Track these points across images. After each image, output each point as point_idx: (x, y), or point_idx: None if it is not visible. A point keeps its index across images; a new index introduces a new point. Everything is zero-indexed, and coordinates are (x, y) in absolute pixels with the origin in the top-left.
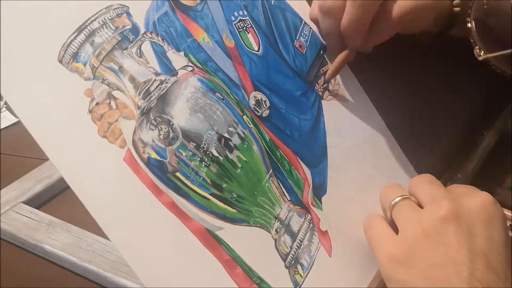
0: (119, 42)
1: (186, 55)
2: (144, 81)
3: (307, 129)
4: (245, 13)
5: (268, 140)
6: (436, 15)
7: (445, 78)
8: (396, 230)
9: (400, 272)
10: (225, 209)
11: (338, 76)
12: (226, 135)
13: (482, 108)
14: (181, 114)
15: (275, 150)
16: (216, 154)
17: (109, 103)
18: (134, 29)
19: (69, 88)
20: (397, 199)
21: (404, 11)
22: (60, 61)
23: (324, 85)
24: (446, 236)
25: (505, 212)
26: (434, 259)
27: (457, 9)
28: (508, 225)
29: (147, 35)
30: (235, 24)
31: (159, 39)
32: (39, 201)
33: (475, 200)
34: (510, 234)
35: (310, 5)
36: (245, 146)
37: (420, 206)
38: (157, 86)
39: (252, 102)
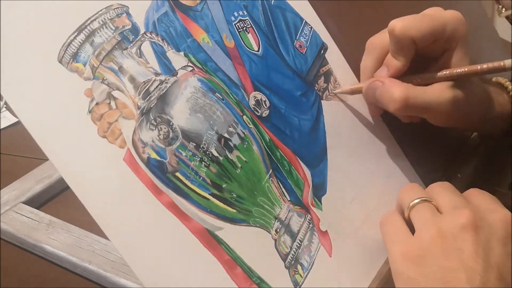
0: (119, 42)
1: (186, 55)
2: (144, 81)
3: (307, 129)
4: (245, 13)
5: (268, 140)
6: (493, 119)
7: None
8: (412, 230)
9: (412, 269)
10: (225, 209)
11: (338, 76)
12: (226, 135)
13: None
14: (181, 114)
15: (275, 150)
16: (216, 154)
17: (109, 103)
18: (134, 29)
19: (69, 88)
20: (417, 200)
21: (409, 105)
22: (60, 61)
23: (324, 85)
24: (463, 243)
25: None
26: (447, 262)
27: None
28: None
29: (147, 35)
30: (235, 24)
31: (159, 39)
32: (39, 201)
33: (496, 216)
34: None
35: (311, 5)
36: (245, 146)
37: (439, 211)
38: (157, 86)
39: (252, 102)
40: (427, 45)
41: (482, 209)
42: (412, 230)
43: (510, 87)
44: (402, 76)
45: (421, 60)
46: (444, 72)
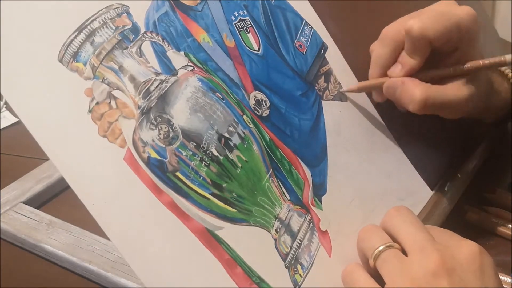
0: (119, 42)
1: (186, 54)
2: (144, 81)
3: (307, 129)
4: (245, 13)
5: (268, 139)
6: (492, 107)
7: None
8: (378, 278)
9: None
10: (225, 209)
11: (338, 76)
12: (226, 134)
13: None
14: (181, 114)
15: (275, 150)
16: (216, 153)
17: (109, 102)
18: (134, 29)
19: (69, 87)
20: (381, 247)
21: (423, 103)
22: (60, 61)
23: (324, 85)
24: None
25: (504, 214)
26: None
27: None
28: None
29: (147, 35)
30: (235, 24)
31: (159, 38)
32: (39, 201)
33: (463, 250)
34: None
35: (311, 5)
36: (245, 145)
37: (404, 252)
38: (157, 86)
39: (252, 101)
40: (441, 44)
41: (447, 246)
42: (378, 278)
43: (510, 74)
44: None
45: (433, 56)
46: (454, 68)
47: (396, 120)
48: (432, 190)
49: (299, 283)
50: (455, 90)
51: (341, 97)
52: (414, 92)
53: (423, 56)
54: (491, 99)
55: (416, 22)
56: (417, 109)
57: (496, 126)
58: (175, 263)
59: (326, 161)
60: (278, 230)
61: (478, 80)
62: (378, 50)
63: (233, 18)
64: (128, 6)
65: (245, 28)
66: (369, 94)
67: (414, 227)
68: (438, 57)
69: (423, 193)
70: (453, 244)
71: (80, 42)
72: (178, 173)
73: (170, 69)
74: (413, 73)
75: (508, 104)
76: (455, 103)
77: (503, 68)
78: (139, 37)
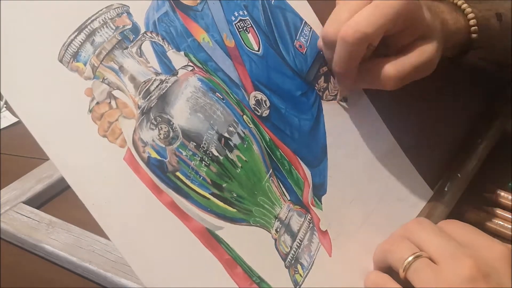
0: (119, 42)
1: (186, 54)
2: (144, 81)
3: (307, 129)
4: (245, 13)
5: (268, 140)
6: (450, 43)
7: (445, 78)
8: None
9: None
10: (225, 209)
11: None
12: (226, 134)
13: (482, 108)
14: (181, 114)
15: (275, 150)
16: (216, 153)
17: (109, 102)
18: (134, 29)
19: (69, 87)
20: (410, 258)
21: (400, 80)
22: (61, 61)
23: (324, 85)
24: None
25: (505, 214)
26: None
27: (474, 35)
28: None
29: (147, 35)
30: (235, 24)
31: (159, 38)
32: (39, 201)
33: (496, 253)
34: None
35: (310, 5)
36: (245, 145)
37: (434, 262)
38: (157, 86)
39: (252, 102)
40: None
41: (479, 251)
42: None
43: (467, 9)
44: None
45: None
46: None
47: (396, 120)
48: (432, 190)
49: (300, 283)
50: (419, 52)
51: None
52: (385, 71)
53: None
54: (450, 39)
55: (350, 28)
56: (393, 84)
57: (459, 59)
58: (175, 263)
59: (326, 161)
60: (278, 230)
61: (432, 34)
62: (325, 54)
63: (233, 18)
64: (128, 6)
65: (245, 28)
66: (369, 94)
67: (440, 236)
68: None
69: (423, 193)
70: (482, 247)
71: (80, 42)
72: (178, 173)
73: (170, 69)
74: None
75: (466, 38)
76: (424, 63)
77: (459, 3)
78: (139, 37)
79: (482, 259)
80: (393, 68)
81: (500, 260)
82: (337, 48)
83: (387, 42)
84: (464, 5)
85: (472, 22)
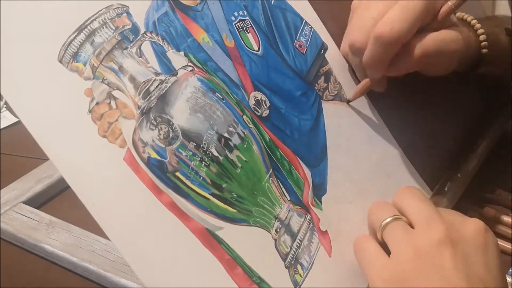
0: (119, 42)
1: (186, 55)
2: (144, 81)
3: (307, 129)
4: (245, 13)
5: (268, 140)
6: (462, 57)
7: (445, 78)
8: (387, 252)
9: None
10: (225, 209)
11: (338, 76)
12: (226, 135)
13: (482, 108)
14: (181, 114)
15: (275, 150)
16: (216, 154)
17: (109, 102)
18: (134, 29)
19: (69, 88)
20: (388, 219)
21: (426, 53)
22: (60, 61)
23: (324, 85)
24: (443, 260)
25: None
26: (430, 282)
27: (485, 50)
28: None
29: (147, 35)
30: (235, 24)
31: (159, 39)
32: (39, 201)
33: (469, 226)
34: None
35: (311, 5)
36: (245, 146)
37: (411, 226)
38: (157, 86)
39: (252, 102)
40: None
41: (453, 221)
42: (388, 251)
43: (477, 25)
44: None
45: None
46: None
47: (396, 120)
48: (432, 190)
49: (299, 283)
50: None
51: (341, 97)
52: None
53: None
54: (461, 54)
55: (386, 27)
56: (420, 59)
57: (470, 74)
58: (175, 263)
59: (326, 161)
60: (278, 230)
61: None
62: (353, 60)
63: (233, 18)
64: (128, 6)
65: (245, 28)
66: (369, 95)
67: (422, 202)
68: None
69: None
70: (460, 220)
71: (80, 42)
72: (178, 173)
73: (170, 69)
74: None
75: (477, 53)
76: (446, 44)
77: (468, 18)
78: (139, 37)
79: (456, 229)
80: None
81: (473, 234)
82: (372, 48)
83: None
84: (474, 21)
85: (482, 37)
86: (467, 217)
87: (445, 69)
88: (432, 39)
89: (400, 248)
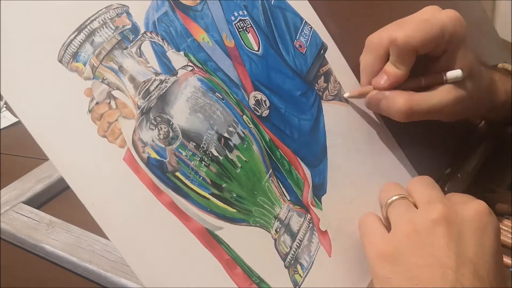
0: (119, 42)
1: (186, 55)
2: (144, 81)
3: (307, 129)
4: (245, 13)
5: (268, 140)
6: (499, 102)
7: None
8: (390, 229)
9: (386, 269)
10: (224, 209)
11: (338, 76)
12: (226, 134)
13: None
14: (181, 114)
15: (275, 150)
16: (216, 153)
17: (109, 102)
18: (134, 29)
19: (69, 87)
20: (394, 197)
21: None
22: (60, 61)
23: (324, 85)
24: (435, 238)
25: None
26: (420, 259)
27: None
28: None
29: (147, 35)
30: (235, 24)
31: (159, 38)
32: (39, 201)
33: (469, 207)
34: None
35: (311, 5)
36: (245, 146)
37: (416, 207)
38: (157, 86)
39: (252, 102)
40: (427, 51)
41: (456, 203)
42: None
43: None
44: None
45: (422, 60)
46: (435, 77)
47: (396, 121)
48: None
49: (299, 283)
50: (441, 95)
51: (341, 97)
52: (397, 103)
53: (408, 66)
54: (494, 98)
55: (399, 32)
56: (403, 118)
57: (504, 125)
58: (175, 263)
59: (326, 161)
60: (278, 230)
61: (477, 78)
62: (365, 58)
63: (233, 18)
64: (127, 6)
65: (244, 28)
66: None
67: (429, 187)
68: (427, 61)
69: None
70: (463, 202)
71: (80, 42)
72: (177, 173)
73: (169, 69)
74: (399, 83)
75: None
76: (440, 107)
77: (509, 67)
78: (138, 37)
79: (454, 208)
80: (407, 100)
81: (471, 216)
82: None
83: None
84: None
85: None
86: (472, 199)
87: (449, 118)
88: (417, 100)
89: (399, 224)
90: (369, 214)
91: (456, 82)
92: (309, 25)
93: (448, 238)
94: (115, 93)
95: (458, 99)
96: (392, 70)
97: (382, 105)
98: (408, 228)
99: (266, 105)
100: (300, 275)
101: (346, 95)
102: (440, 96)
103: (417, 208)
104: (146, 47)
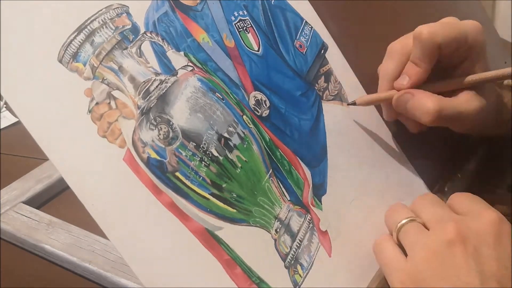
0: (119, 42)
1: (186, 55)
2: (144, 81)
3: (307, 129)
4: (245, 13)
5: (268, 140)
6: (507, 117)
7: None
8: (405, 251)
9: None
10: (224, 209)
11: (338, 76)
12: (226, 135)
13: None
14: (181, 114)
15: (275, 150)
16: (216, 154)
17: (109, 103)
18: (134, 29)
19: (69, 88)
20: (404, 221)
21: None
22: (60, 61)
23: (324, 85)
24: (454, 259)
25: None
26: (444, 282)
27: None
28: None
29: (147, 35)
30: (235, 24)
31: (159, 39)
32: (39, 201)
33: (482, 220)
34: None
35: (311, 5)
36: (245, 146)
37: (426, 228)
38: (157, 86)
39: (252, 102)
40: (449, 54)
41: (466, 216)
42: (405, 251)
43: None
44: (422, 84)
45: (439, 69)
46: (461, 80)
47: (396, 120)
48: (432, 190)
49: (299, 283)
50: (466, 102)
51: (341, 97)
52: (426, 103)
53: (429, 63)
54: (501, 113)
55: (425, 27)
56: (430, 120)
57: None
58: (174, 263)
59: (326, 161)
60: (278, 230)
61: (487, 93)
62: (385, 65)
63: (233, 18)
64: (128, 6)
65: (245, 28)
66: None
67: (436, 205)
68: (445, 69)
69: (423, 193)
70: (473, 213)
71: (79, 42)
72: (177, 173)
73: (169, 69)
74: (420, 83)
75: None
76: (466, 115)
77: (510, 82)
78: (138, 37)
79: (466, 224)
80: (436, 103)
81: (485, 229)
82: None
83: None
84: None
85: None
86: (484, 208)
87: (464, 128)
88: (447, 107)
89: (414, 249)
90: (384, 239)
91: (477, 91)
92: (310, 25)
93: (466, 257)
94: (115, 93)
95: (482, 107)
96: (413, 69)
97: (410, 105)
98: (425, 253)
99: (266, 105)
100: (300, 275)
101: (349, 103)
102: (466, 102)
103: (428, 229)
104: (146, 47)
